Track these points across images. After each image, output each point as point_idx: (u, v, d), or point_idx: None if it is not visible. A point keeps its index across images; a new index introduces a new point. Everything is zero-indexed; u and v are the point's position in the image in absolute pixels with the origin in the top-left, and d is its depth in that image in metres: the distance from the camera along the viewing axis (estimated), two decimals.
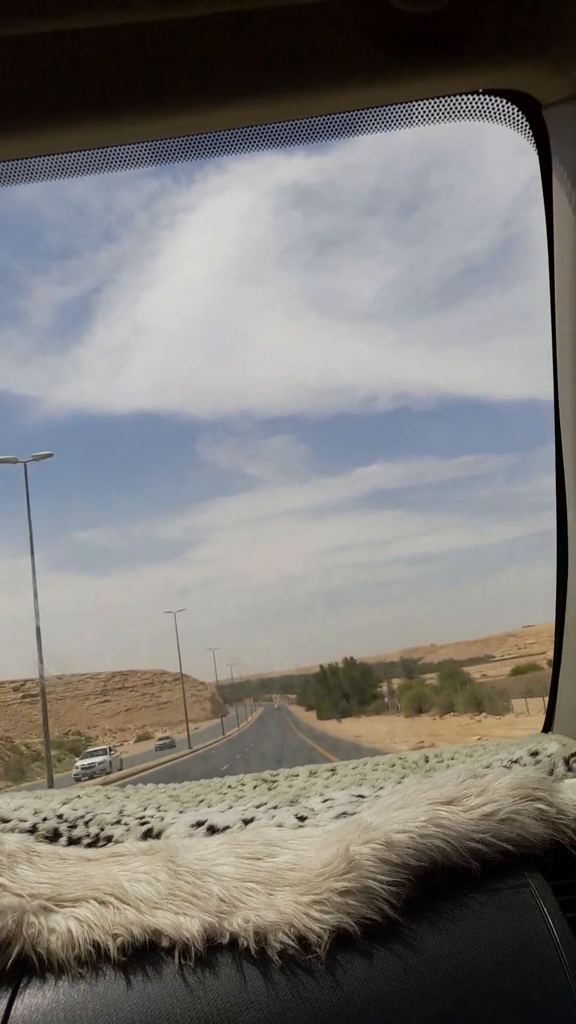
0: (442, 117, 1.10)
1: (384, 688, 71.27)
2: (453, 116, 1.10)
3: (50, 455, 37.53)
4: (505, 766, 1.16)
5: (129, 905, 0.93)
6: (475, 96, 1.07)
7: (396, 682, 74.25)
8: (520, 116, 1.09)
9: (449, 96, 1.06)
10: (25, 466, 31.86)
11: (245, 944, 0.89)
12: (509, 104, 1.07)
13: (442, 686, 51.79)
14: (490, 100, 1.07)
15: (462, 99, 1.07)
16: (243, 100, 1.03)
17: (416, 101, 1.07)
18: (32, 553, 33.83)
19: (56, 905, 0.94)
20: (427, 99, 1.07)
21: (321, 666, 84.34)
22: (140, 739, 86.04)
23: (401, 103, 1.07)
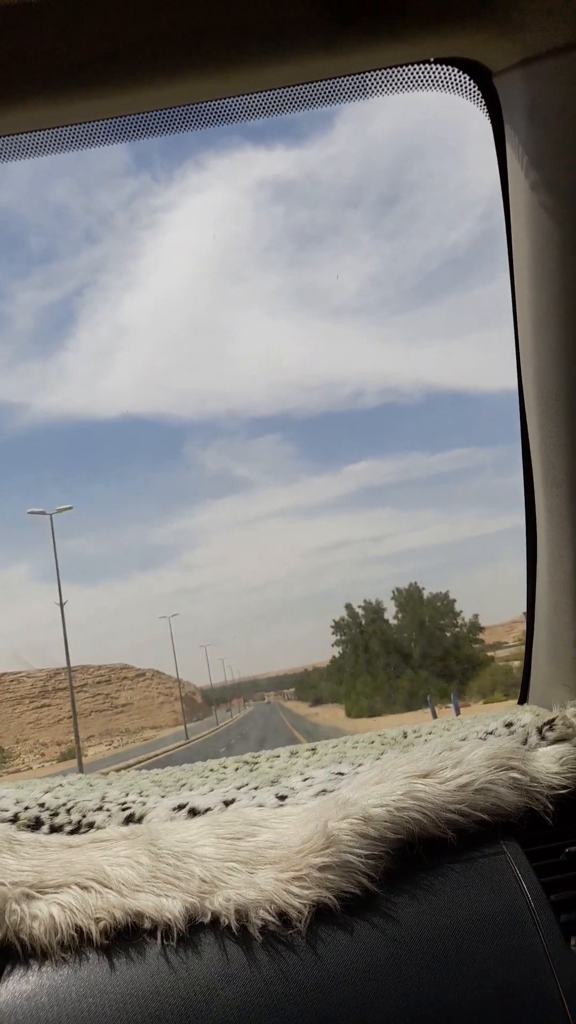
0: (395, 87, 1.08)
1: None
2: (406, 86, 1.08)
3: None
4: (481, 738, 1.17)
5: (111, 889, 0.94)
6: (426, 65, 1.05)
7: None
8: (472, 84, 1.07)
9: (400, 66, 1.05)
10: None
11: (227, 922, 0.90)
12: (460, 72, 1.06)
13: (490, 671, 44.43)
14: (441, 69, 1.06)
15: (414, 68, 1.06)
16: (192, 74, 1.01)
17: (367, 72, 1.05)
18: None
19: (38, 892, 0.95)
20: (378, 69, 1.05)
21: (347, 613, 56.19)
22: (64, 757, 68.34)
23: (352, 74, 1.05)
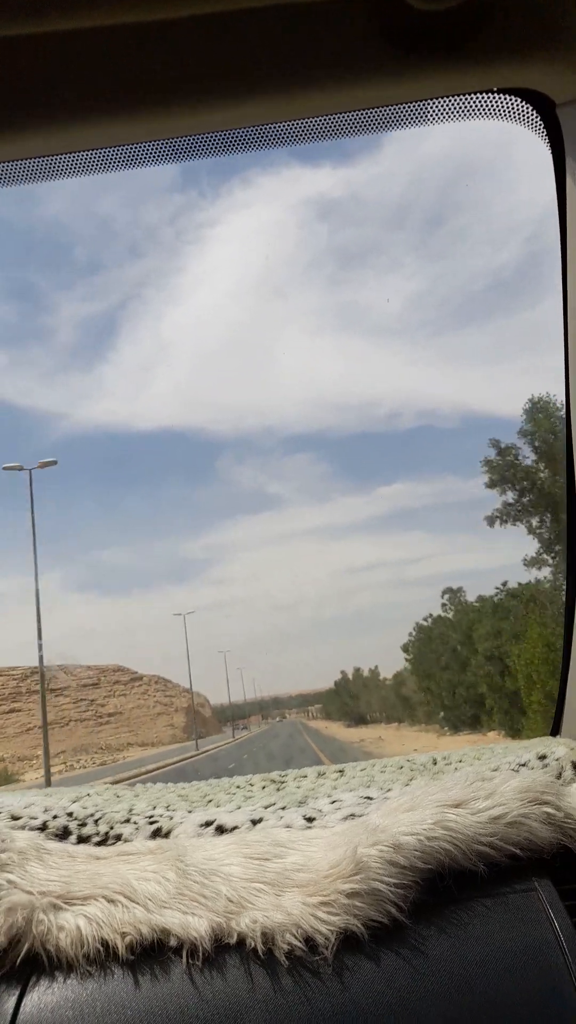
0: (456, 116, 1.10)
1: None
2: (467, 115, 1.10)
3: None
4: (513, 769, 1.15)
5: (138, 904, 0.94)
6: (489, 95, 1.06)
7: None
8: (534, 115, 1.08)
9: (463, 95, 1.06)
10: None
11: (252, 944, 0.89)
12: (523, 103, 1.07)
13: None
14: (504, 99, 1.07)
15: (476, 97, 1.07)
16: (254, 98, 1.02)
17: (430, 99, 1.07)
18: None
19: (65, 903, 0.94)
20: (441, 97, 1.06)
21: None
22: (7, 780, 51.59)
23: (415, 101, 1.07)
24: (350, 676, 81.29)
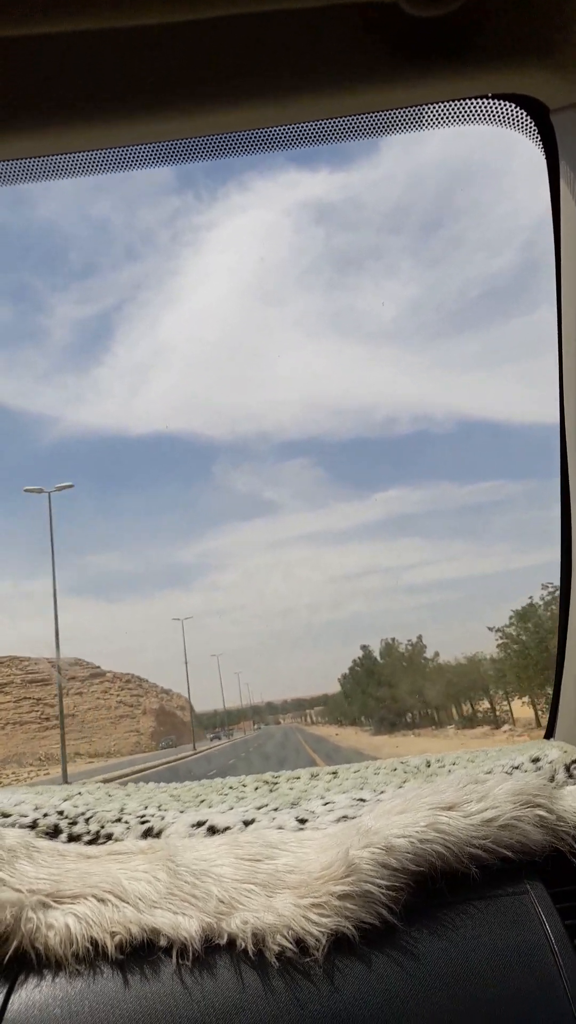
0: (451, 121, 1.11)
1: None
2: (463, 120, 1.11)
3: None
4: (506, 772, 1.15)
5: (128, 903, 0.93)
6: (483, 100, 1.07)
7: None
8: (528, 120, 1.09)
9: (458, 100, 1.07)
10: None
11: (243, 945, 0.89)
12: (517, 108, 1.08)
13: None
14: (498, 104, 1.08)
15: (471, 103, 1.08)
16: (251, 102, 1.03)
17: (426, 104, 1.07)
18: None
19: (55, 901, 0.94)
20: (437, 102, 1.07)
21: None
22: None
23: (411, 106, 1.07)
24: (376, 653, 58.26)
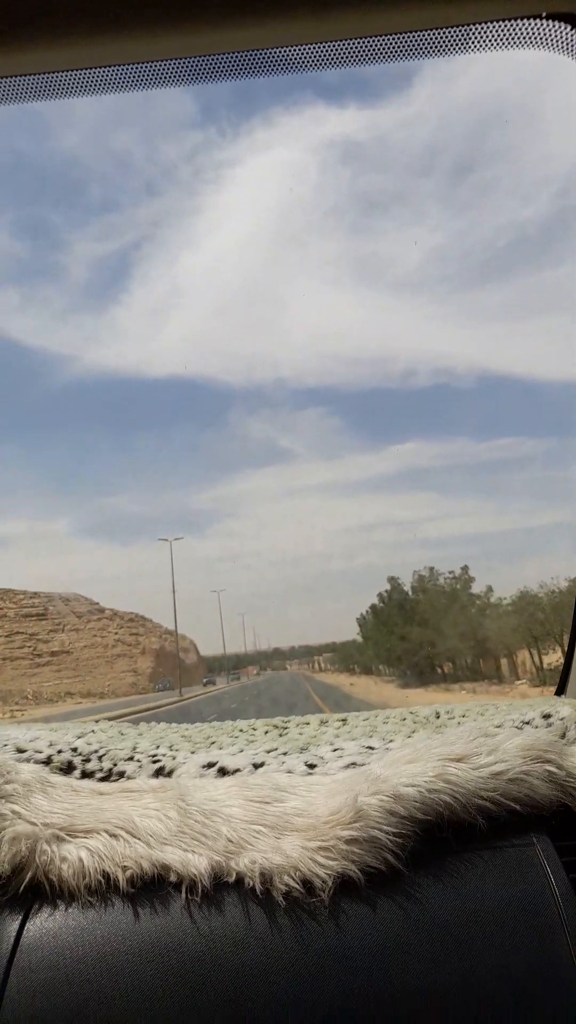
0: (500, 43, 1.03)
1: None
2: (511, 43, 1.03)
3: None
4: (516, 727, 1.16)
5: (139, 839, 0.96)
6: (536, 21, 1.00)
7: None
8: None
9: (508, 20, 0.99)
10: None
11: (251, 884, 0.91)
12: (573, 30, 1.00)
13: None
14: (551, 26, 1.00)
15: (521, 24, 1.00)
16: (281, 16, 0.96)
17: (472, 24, 1.00)
18: None
19: (68, 835, 0.96)
20: (483, 23, 1.00)
21: None
22: None
23: (456, 26, 1.00)
24: (407, 587, 46.66)
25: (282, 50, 1.03)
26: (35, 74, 1.05)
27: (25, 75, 1.05)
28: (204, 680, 77.06)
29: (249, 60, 1.05)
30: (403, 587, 47.37)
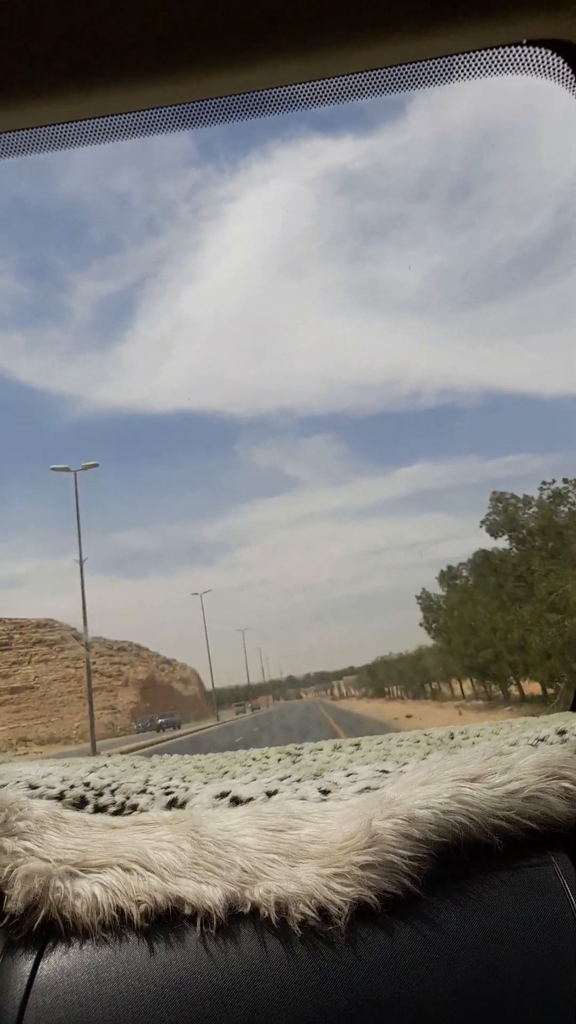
0: (482, 71, 1.05)
1: None
2: (494, 70, 1.05)
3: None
4: (531, 744, 1.14)
5: (153, 872, 0.95)
6: (518, 48, 1.02)
7: None
8: (565, 67, 1.04)
9: (490, 48, 1.02)
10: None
11: (266, 914, 0.90)
12: (554, 55, 1.03)
13: None
14: (533, 51, 1.03)
15: (504, 51, 1.02)
16: (273, 58, 0.99)
17: (456, 55, 1.02)
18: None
19: (82, 871, 0.96)
20: (468, 52, 1.02)
21: None
22: None
23: (441, 57, 1.02)
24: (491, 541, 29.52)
25: (275, 91, 1.05)
26: (37, 127, 1.07)
27: (27, 129, 1.07)
28: (236, 709, 69.24)
29: (244, 103, 1.07)
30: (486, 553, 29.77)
